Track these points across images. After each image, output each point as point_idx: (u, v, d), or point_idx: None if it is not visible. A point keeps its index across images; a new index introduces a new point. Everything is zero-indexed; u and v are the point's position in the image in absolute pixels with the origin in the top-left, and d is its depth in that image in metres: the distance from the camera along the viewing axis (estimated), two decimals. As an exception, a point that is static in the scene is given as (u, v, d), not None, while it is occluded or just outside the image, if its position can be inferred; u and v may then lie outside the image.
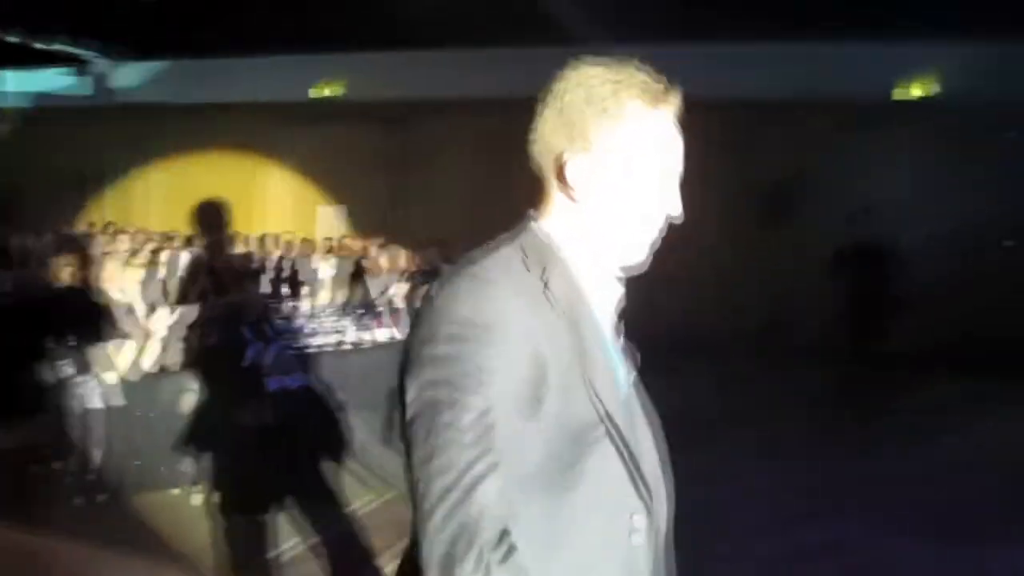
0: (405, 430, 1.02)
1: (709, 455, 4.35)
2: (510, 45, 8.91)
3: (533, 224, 1.15)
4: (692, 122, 1.14)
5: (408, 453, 1.01)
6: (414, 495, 0.99)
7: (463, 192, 10.34)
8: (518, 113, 1.29)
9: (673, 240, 1.19)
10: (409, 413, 1.01)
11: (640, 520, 1.11)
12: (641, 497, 1.11)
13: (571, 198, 1.13)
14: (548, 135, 1.12)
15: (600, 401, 1.06)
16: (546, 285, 1.07)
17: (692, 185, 1.18)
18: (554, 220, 1.15)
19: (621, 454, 1.08)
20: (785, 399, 6.59)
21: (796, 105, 8.08)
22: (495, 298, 1.02)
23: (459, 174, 10.68)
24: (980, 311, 7.49)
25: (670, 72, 1.12)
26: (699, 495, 1.51)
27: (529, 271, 1.08)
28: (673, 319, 7.63)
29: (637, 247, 1.15)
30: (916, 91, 7.99)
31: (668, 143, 1.13)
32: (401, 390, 1.03)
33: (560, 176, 1.12)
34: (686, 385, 6.21)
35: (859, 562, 3.64)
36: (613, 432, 1.07)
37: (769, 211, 8.10)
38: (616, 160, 1.11)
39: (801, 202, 7.94)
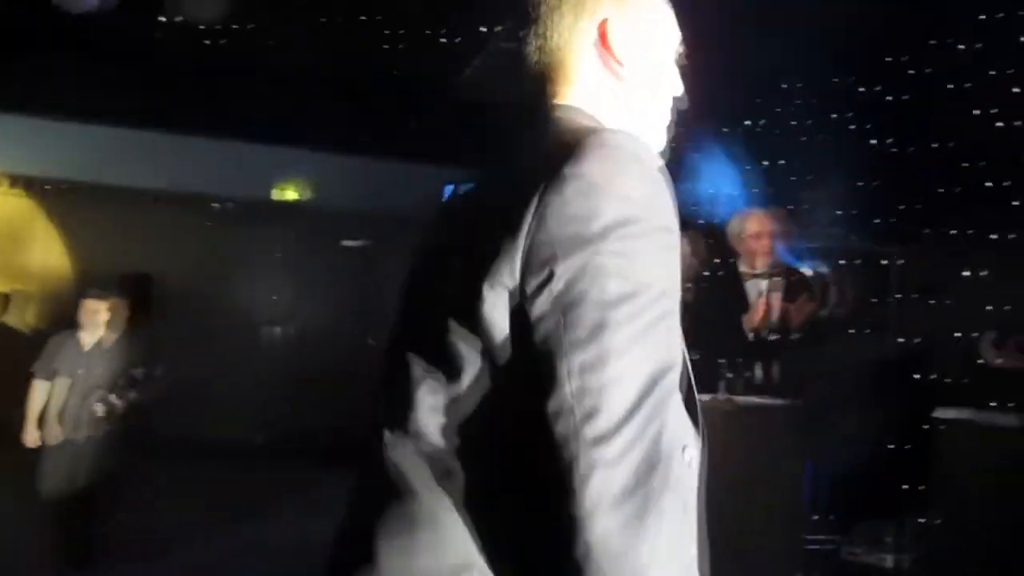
0: (528, 333, 0.78)
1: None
2: None
3: (569, 108, 0.98)
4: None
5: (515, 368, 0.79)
6: (555, 414, 0.76)
7: None
8: None
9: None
10: (555, 309, 0.78)
11: (693, 451, 0.88)
12: (696, 425, 0.90)
13: (612, 70, 1.00)
14: (584, 2, 1.00)
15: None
16: None
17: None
18: (587, 102, 0.99)
19: (684, 370, 0.88)
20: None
21: (175, 197, 7.96)
22: (649, 163, 0.85)
23: None
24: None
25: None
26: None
27: None
28: None
29: (662, 127, 1.06)
30: (291, 194, 8.30)
31: (670, 11, 1.08)
32: (524, 287, 0.79)
33: (603, 46, 0.99)
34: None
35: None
36: (683, 346, 0.88)
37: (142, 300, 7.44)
38: (649, 21, 1.03)
39: (176, 295, 7.63)
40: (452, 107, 7.22)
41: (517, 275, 0.80)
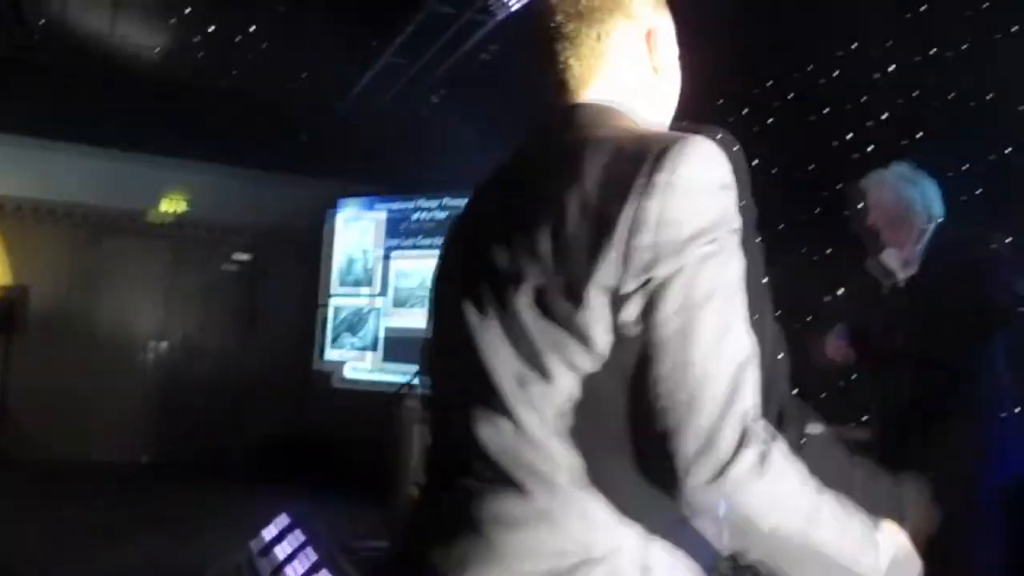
0: (644, 317, 0.84)
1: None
2: None
3: (610, 109, 1.02)
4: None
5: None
6: (662, 394, 0.82)
7: None
8: None
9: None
10: (649, 311, 0.84)
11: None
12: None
13: (649, 74, 1.08)
14: (631, 8, 1.06)
15: None
16: None
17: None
18: (622, 102, 1.04)
19: None
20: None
21: (43, 210, 7.63)
22: (726, 167, 0.91)
23: None
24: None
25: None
26: None
27: None
28: None
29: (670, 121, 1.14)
30: (170, 207, 8.00)
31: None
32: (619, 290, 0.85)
33: (648, 51, 1.07)
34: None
35: None
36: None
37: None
38: (670, 27, 1.12)
39: (46, 311, 7.36)
40: (337, 122, 7.18)
41: (616, 280, 0.84)
